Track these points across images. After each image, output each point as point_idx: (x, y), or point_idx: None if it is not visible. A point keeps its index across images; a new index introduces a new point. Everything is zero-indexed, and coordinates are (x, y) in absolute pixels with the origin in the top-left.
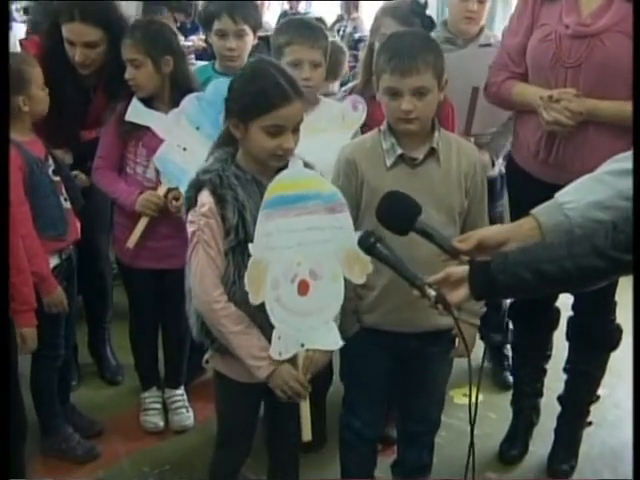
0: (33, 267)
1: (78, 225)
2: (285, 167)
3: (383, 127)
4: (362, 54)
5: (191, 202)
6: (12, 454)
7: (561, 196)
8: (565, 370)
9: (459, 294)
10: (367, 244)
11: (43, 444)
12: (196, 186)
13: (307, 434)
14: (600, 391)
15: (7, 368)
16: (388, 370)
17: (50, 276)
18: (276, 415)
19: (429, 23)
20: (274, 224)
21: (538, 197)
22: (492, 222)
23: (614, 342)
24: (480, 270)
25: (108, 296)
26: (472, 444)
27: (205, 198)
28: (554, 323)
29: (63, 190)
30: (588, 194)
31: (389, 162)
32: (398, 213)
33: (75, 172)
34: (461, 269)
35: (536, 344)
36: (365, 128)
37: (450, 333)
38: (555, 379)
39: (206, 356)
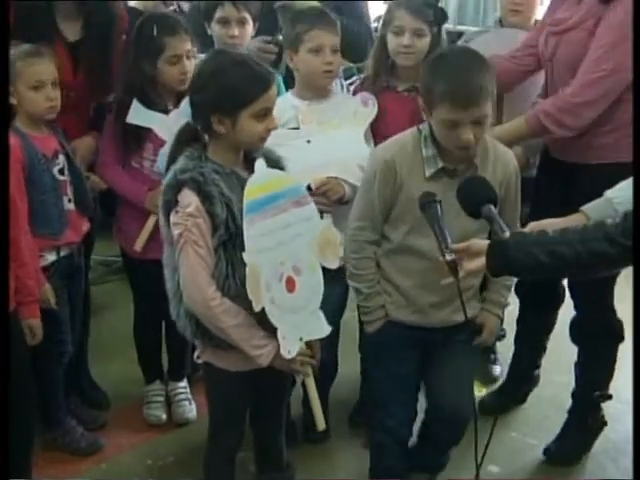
0: None
1: (84, 228)
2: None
3: (424, 131)
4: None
5: (171, 204)
6: (20, 450)
7: (610, 192)
8: (575, 367)
9: (475, 263)
10: (423, 202)
11: (46, 437)
12: (176, 187)
13: (321, 423)
14: None
15: (7, 367)
16: (417, 363)
17: (38, 271)
18: (264, 397)
19: (441, 15)
20: (256, 228)
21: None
22: (523, 224)
23: (617, 338)
24: (498, 246)
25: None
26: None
27: (189, 198)
28: (559, 301)
29: (69, 190)
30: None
31: (428, 172)
32: (472, 195)
33: (88, 174)
34: (483, 243)
35: (542, 320)
36: (376, 122)
37: (474, 323)
38: (557, 372)
39: (197, 352)
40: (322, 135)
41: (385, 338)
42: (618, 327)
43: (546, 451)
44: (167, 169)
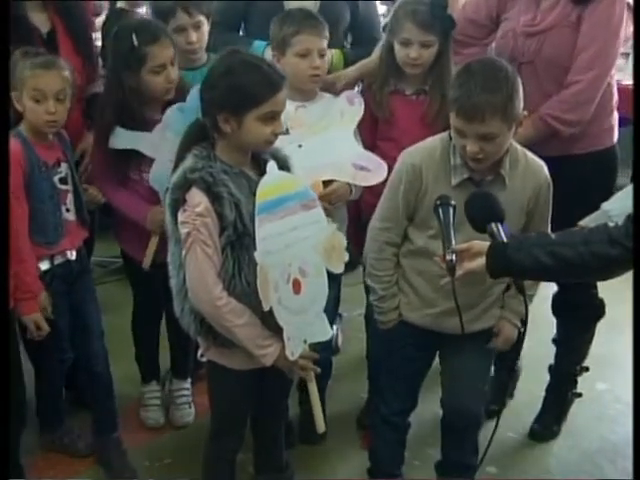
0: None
1: (81, 238)
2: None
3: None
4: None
5: (178, 203)
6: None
7: (606, 205)
8: (554, 342)
9: (475, 263)
10: (437, 203)
11: (45, 438)
12: (184, 186)
13: (321, 426)
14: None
15: (7, 364)
16: (422, 363)
17: (35, 269)
18: (266, 396)
19: (450, 24)
20: (265, 229)
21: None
22: None
23: (597, 314)
24: (498, 247)
25: None
26: None
27: (199, 197)
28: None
29: (68, 200)
30: (627, 199)
31: (454, 181)
32: (479, 210)
33: (86, 186)
34: (484, 243)
35: None
36: (384, 125)
37: (491, 330)
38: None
39: (200, 351)
40: (313, 138)
41: (396, 336)
42: (599, 303)
43: (530, 432)
44: (175, 167)
